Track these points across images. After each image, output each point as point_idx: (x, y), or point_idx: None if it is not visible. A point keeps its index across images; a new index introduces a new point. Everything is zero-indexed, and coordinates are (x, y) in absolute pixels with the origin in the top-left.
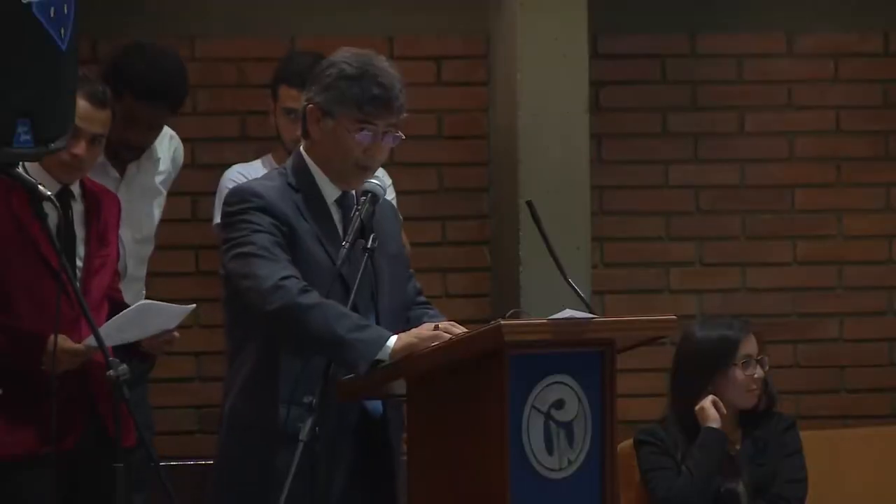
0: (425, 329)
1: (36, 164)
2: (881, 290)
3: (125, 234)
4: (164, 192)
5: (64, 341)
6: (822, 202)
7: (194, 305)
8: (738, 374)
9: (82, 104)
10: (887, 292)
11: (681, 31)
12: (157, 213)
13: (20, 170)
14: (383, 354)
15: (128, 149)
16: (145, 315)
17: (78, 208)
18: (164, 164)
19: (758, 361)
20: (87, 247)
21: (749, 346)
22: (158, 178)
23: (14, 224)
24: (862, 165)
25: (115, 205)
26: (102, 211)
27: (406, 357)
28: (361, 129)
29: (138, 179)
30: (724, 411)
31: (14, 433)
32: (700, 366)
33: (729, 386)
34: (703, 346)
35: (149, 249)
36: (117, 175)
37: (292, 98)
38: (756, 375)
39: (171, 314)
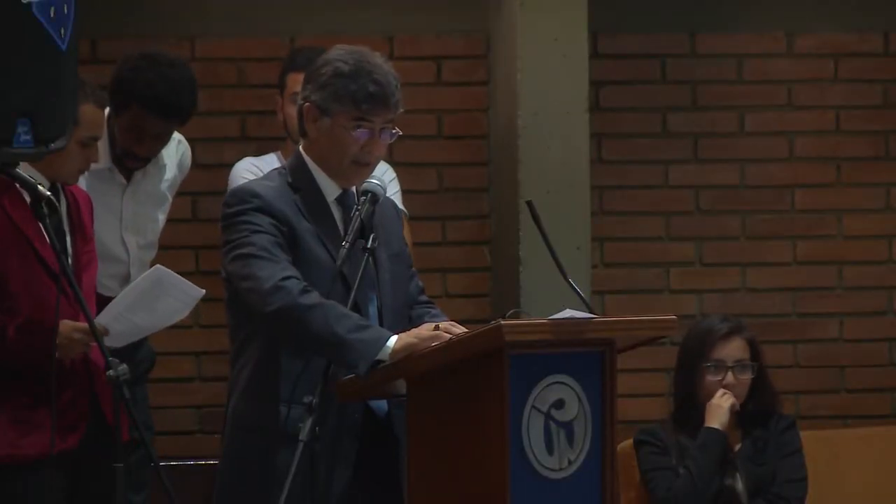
0: (425, 329)
1: (26, 163)
2: (881, 290)
3: (130, 240)
4: (170, 198)
5: (74, 324)
6: (822, 202)
7: (203, 291)
8: (708, 378)
9: (94, 111)
10: (887, 292)
11: (681, 30)
12: (161, 219)
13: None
14: (383, 355)
15: (135, 159)
16: (158, 289)
17: (63, 206)
18: (171, 171)
19: (730, 368)
20: (73, 243)
21: (725, 350)
22: (164, 185)
23: (10, 225)
24: (862, 165)
25: (88, 200)
26: (80, 208)
27: (406, 357)
28: (358, 127)
29: (144, 186)
30: (737, 409)
31: (26, 435)
32: (682, 363)
33: (700, 386)
34: (686, 344)
35: (152, 254)
36: (123, 181)
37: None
38: (725, 382)
39: (183, 295)
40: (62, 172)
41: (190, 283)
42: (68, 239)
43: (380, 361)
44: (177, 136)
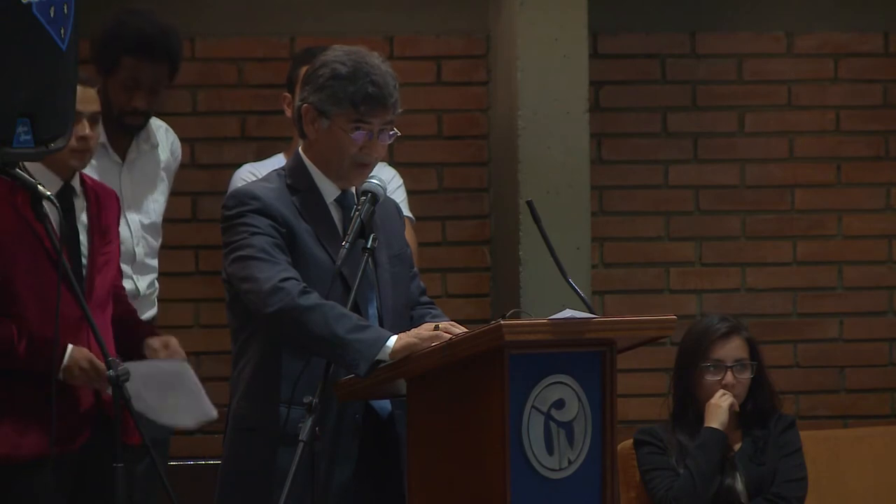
0: (425, 329)
1: (38, 163)
2: (881, 290)
3: (133, 218)
4: (167, 182)
5: (89, 355)
6: (822, 202)
7: (216, 414)
8: (707, 378)
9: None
10: (887, 292)
11: (681, 30)
12: (162, 201)
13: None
14: (383, 355)
15: (134, 115)
16: (176, 380)
17: (80, 205)
18: (164, 153)
19: (729, 367)
20: (90, 243)
21: (724, 350)
22: (159, 165)
23: (22, 224)
24: (862, 165)
25: (116, 201)
26: (103, 207)
27: (406, 357)
28: (357, 129)
29: (139, 164)
30: (736, 409)
31: (25, 435)
32: (681, 363)
33: (699, 387)
34: (684, 344)
35: (157, 239)
36: (119, 160)
37: None
38: (724, 381)
39: (196, 404)
40: (56, 157)
41: (206, 399)
42: (83, 238)
43: (380, 361)
44: (163, 124)
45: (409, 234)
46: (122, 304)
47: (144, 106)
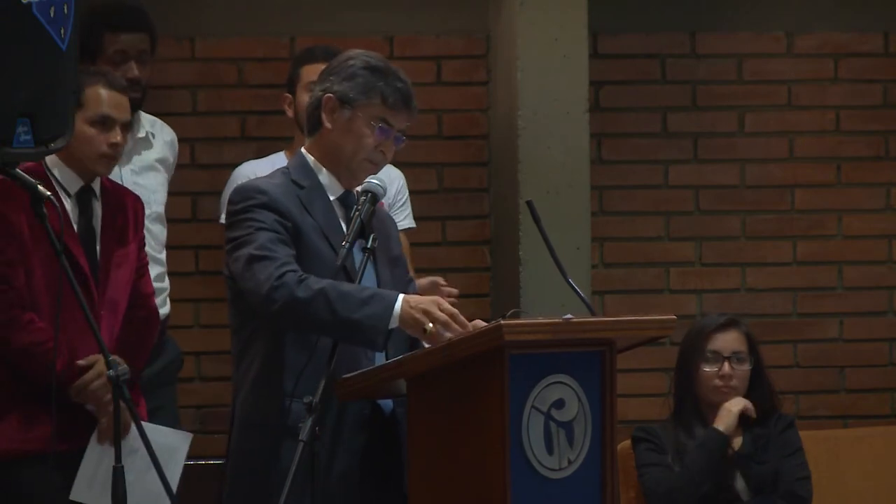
0: (435, 302)
1: (60, 163)
2: (881, 290)
3: None
4: (166, 176)
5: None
6: (822, 202)
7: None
8: (706, 369)
9: (106, 93)
10: (887, 292)
11: (681, 30)
12: (162, 192)
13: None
14: (393, 324)
15: (132, 88)
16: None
17: (97, 206)
18: (158, 145)
19: (727, 359)
20: (106, 244)
21: (722, 341)
22: (155, 156)
23: (39, 224)
24: (862, 165)
25: (138, 206)
26: (119, 210)
27: (406, 357)
28: (380, 124)
29: (135, 155)
30: (753, 415)
31: (29, 430)
32: (682, 362)
33: (697, 380)
34: (684, 343)
35: (162, 231)
36: None
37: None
38: (722, 372)
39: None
40: (84, 161)
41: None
42: (98, 239)
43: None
44: (156, 119)
45: (403, 245)
46: (141, 310)
47: (137, 75)
